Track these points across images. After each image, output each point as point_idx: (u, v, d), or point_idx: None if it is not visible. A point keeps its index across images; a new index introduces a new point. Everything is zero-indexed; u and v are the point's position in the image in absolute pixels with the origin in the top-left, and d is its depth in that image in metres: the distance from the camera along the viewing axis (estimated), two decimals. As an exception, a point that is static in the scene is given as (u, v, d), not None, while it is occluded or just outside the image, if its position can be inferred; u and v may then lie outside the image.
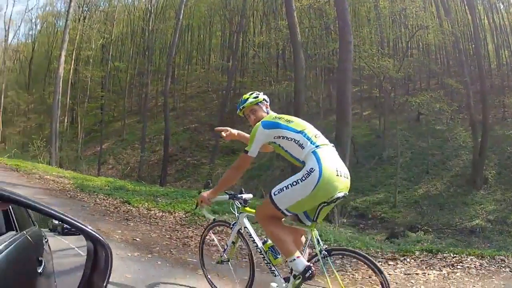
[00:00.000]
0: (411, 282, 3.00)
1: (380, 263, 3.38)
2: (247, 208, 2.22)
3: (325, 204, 1.81)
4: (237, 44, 20.67)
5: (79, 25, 25.00)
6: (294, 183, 1.80)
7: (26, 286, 0.80)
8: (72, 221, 0.72)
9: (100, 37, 24.69)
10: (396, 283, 2.97)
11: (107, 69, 23.73)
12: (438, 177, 15.35)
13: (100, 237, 0.73)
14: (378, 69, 15.30)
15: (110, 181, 9.32)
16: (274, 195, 1.83)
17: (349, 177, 1.89)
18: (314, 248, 1.86)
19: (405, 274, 3.18)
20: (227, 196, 2.22)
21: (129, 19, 26.24)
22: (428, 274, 3.14)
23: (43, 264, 0.86)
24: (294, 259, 1.80)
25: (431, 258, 3.53)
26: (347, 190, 1.88)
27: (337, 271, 2.00)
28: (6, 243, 0.80)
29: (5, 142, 25.77)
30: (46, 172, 10.16)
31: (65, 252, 1.14)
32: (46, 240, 0.92)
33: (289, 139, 1.92)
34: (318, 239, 1.87)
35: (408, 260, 3.52)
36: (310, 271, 1.77)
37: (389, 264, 3.47)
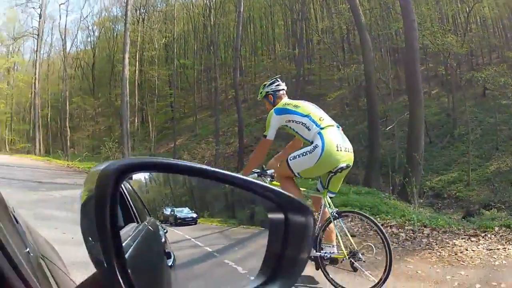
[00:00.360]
0: (493, 258, 4.08)
1: (463, 239, 4.68)
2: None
3: (333, 173, 3.42)
4: (301, 31, 27.51)
5: (139, 27, 34.87)
6: (304, 154, 3.37)
7: (158, 280, 0.96)
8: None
9: (162, 37, 34.04)
10: (480, 259, 4.09)
11: (174, 67, 32.40)
12: (507, 153, 18.82)
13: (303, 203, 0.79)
14: (442, 46, 19.94)
15: None
16: (290, 160, 3.43)
17: (351, 151, 3.48)
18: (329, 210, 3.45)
19: (487, 249, 4.34)
20: (256, 174, 3.62)
21: (188, 16, 34.68)
22: (509, 249, 4.25)
23: (172, 256, 0.96)
24: None
25: (509, 233, 4.72)
26: (351, 162, 3.45)
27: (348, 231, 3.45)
28: (133, 234, 0.94)
29: (75, 147, 34.87)
30: None
31: (181, 244, 1.17)
32: (165, 231, 1.02)
33: (298, 122, 3.50)
34: (329, 203, 3.47)
35: (488, 236, 4.72)
36: None
37: (472, 241, 4.64)
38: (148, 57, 34.10)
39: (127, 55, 27.14)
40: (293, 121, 3.56)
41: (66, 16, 54.48)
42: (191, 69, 34.64)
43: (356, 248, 3.37)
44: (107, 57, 38.23)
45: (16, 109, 38.69)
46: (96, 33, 40.90)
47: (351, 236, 3.51)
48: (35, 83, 33.10)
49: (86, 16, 51.34)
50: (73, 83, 38.64)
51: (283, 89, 3.89)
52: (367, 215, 3.73)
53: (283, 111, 3.64)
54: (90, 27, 40.89)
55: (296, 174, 3.56)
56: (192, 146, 30.98)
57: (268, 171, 3.70)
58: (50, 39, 45.72)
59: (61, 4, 41.63)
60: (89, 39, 41.74)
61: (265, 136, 3.65)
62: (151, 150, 30.82)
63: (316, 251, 3.39)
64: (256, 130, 28.08)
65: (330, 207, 3.51)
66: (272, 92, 3.84)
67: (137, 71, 32.12)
